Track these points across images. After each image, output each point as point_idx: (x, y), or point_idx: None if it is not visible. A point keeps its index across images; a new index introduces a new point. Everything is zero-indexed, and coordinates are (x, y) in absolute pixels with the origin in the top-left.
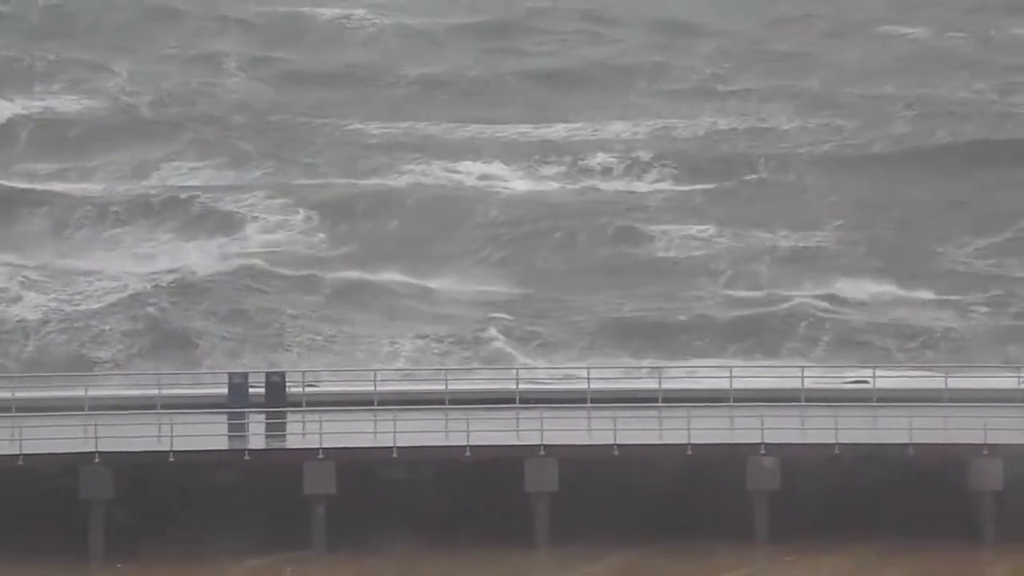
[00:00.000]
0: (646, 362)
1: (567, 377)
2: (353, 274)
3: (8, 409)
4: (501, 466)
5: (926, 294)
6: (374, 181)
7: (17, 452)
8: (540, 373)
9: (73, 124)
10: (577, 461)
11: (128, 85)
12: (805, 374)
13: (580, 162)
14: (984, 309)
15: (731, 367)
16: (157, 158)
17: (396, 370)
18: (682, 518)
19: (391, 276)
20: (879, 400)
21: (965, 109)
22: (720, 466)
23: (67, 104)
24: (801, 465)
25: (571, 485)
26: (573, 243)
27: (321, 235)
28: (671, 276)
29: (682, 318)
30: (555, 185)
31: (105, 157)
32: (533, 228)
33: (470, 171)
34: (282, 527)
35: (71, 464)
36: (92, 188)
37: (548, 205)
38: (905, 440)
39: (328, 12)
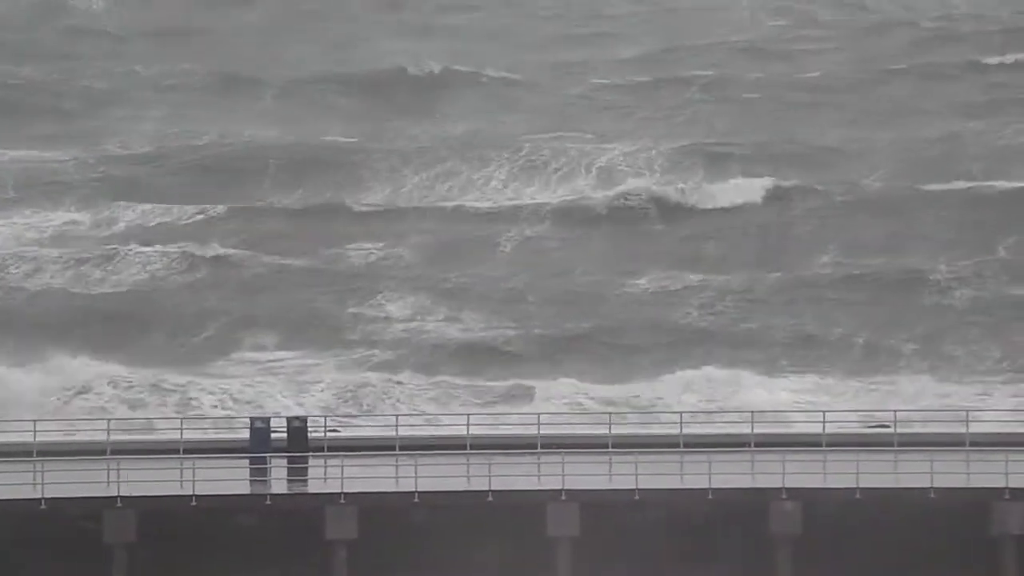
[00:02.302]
0: (667, 407)
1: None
2: None
3: (30, 453)
4: (523, 511)
5: None
6: None
7: (39, 496)
8: (562, 418)
9: None
10: (598, 505)
11: None
12: (826, 418)
13: None
14: None
15: (752, 412)
16: None
17: (417, 415)
18: (704, 563)
19: None
20: (900, 444)
21: None
22: (741, 511)
23: None
24: (823, 510)
25: (592, 530)
26: None
27: None
28: None
29: None
30: None
31: None
32: None
33: None
34: (304, 572)
35: (94, 508)
36: None
37: None
38: (926, 484)
39: None
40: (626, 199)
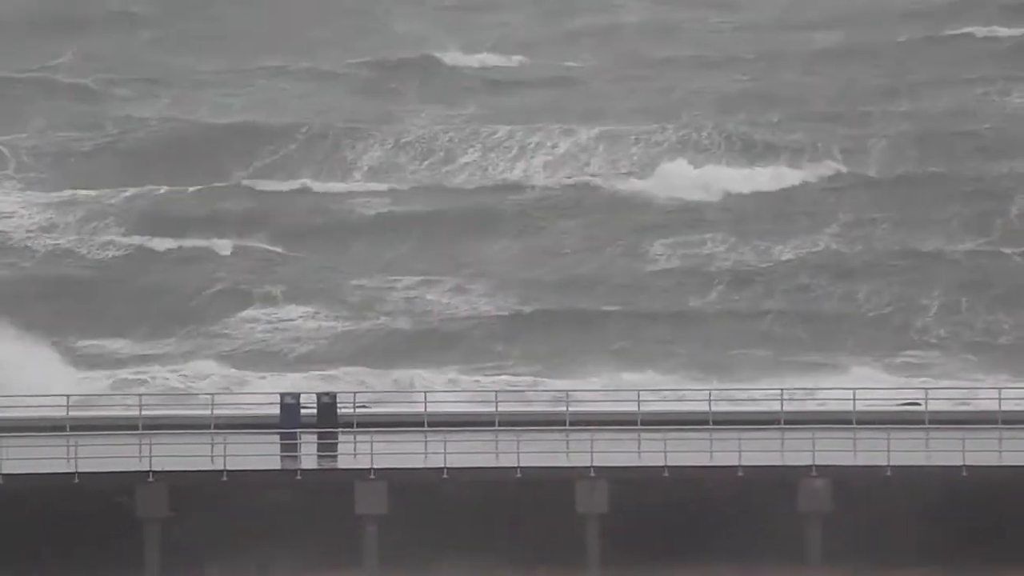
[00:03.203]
0: (697, 384)
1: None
2: None
3: (63, 428)
4: (552, 487)
5: None
6: None
7: (73, 471)
8: (591, 395)
9: None
10: (627, 483)
11: None
12: (857, 396)
13: None
14: None
15: (782, 389)
16: None
17: (446, 391)
18: (733, 540)
19: None
20: (931, 422)
21: None
22: (771, 488)
23: None
24: (853, 487)
25: (622, 507)
26: None
27: None
28: None
29: None
30: None
31: None
32: None
33: None
34: (334, 546)
35: (126, 482)
36: None
37: None
38: (957, 462)
39: None
40: None
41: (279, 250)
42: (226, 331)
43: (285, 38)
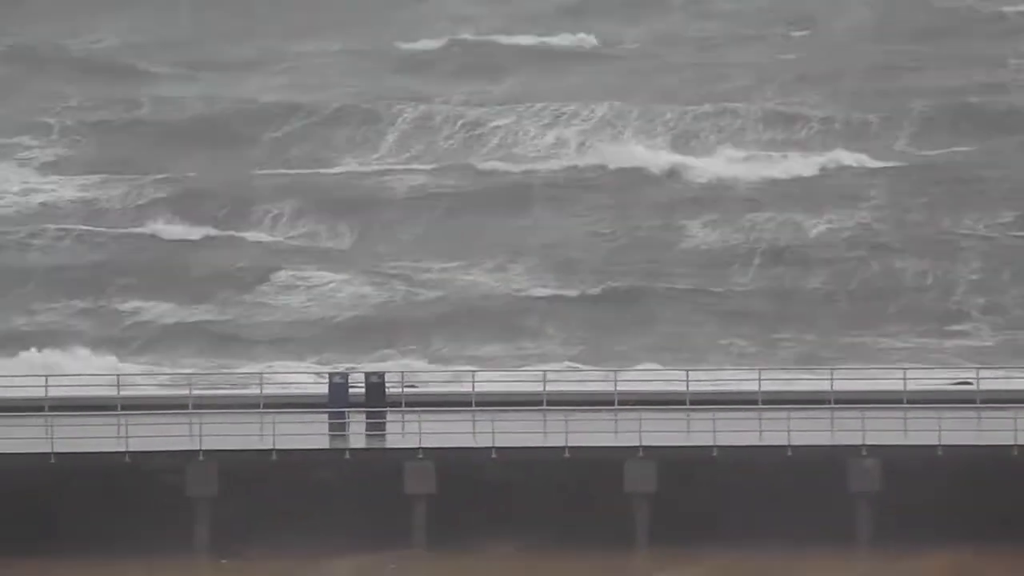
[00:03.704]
0: (745, 364)
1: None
2: None
3: (114, 407)
4: (600, 467)
5: None
6: None
7: (123, 449)
8: (639, 375)
9: None
10: (676, 462)
11: None
12: (907, 375)
13: None
14: None
15: (832, 368)
16: None
17: (494, 371)
18: (781, 520)
19: None
20: (983, 401)
21: None
22: (820, 468)
23: None
24: (903, 467)
25: (670, 486)
26: None
27: None
28: None
29: None
30: None
31: None
32: None
33: None
34: (383, 526)
35: (177, 461)
36: None
37: None
38: (1010, 441)
39: None
40: None
41: (316, 228)
42: (264, 306)
43: (320, 17)
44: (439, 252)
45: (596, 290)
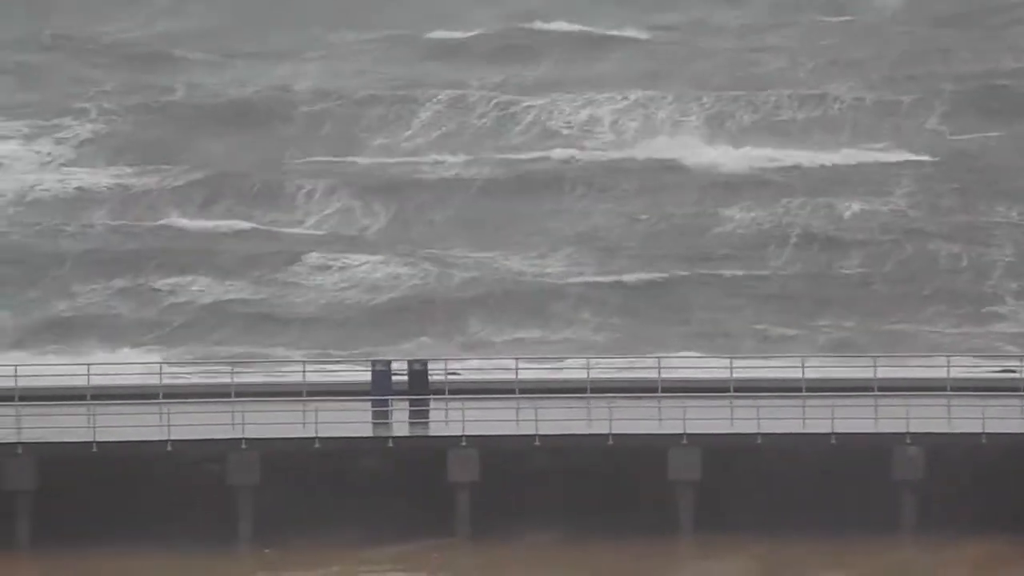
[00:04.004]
0: (784, 351)
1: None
2: None
3: (156, 396)
4: (644, 455)
5: None
6: None
7: (166, 438)
8: (681, 362)
9: None
10: (720, 450)
11: None
12: (951, 363)
13: None
14: None
15: (876, 356)
16: None
17: (538, 358)
18: (825, 508)
19: None
20: None
21: None
22: (864, 456)
23: None
24: (947, 455)
25: (714, 474)
26: None
27: None
28: None
29: None
30: None
31: None
32: None
33: None
34: (426, 514)
35: (218, 450)
36: None
37: None
38: None
39: None
40: None
41: (350, 211)
42: (298, 286)
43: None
44: (473, 236)
45: (632, 276)
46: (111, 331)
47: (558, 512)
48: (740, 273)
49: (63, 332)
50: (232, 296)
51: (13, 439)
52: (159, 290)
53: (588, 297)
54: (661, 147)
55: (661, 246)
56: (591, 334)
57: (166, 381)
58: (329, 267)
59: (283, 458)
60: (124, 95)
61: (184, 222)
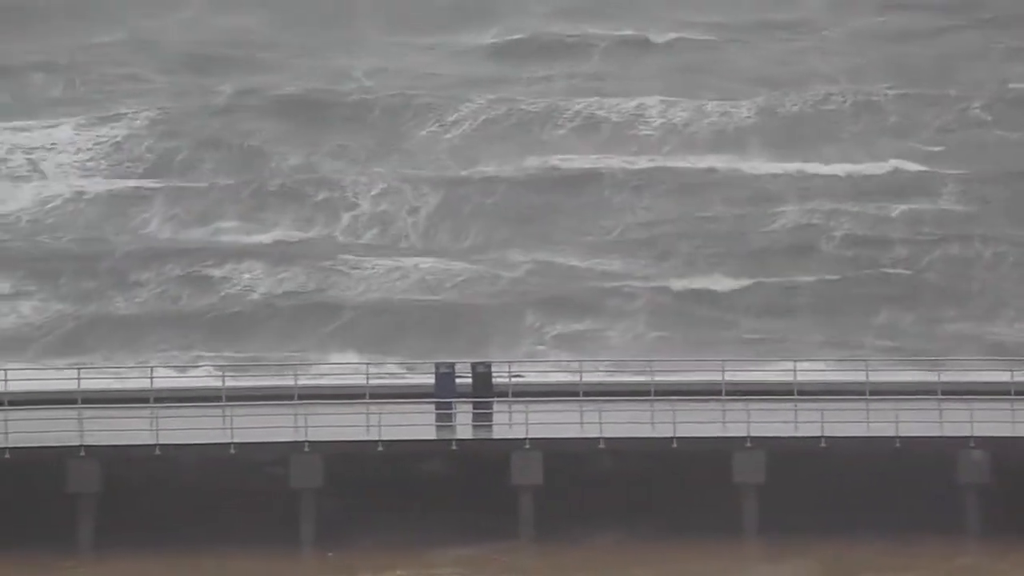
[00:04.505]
0: (852, 355)
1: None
2: None
3: (219, 399)
4: (708, 458)
5: None
6: None
7: (229, 441)
8: (746, 365)
9: None
10: (784, 453)
11: None
12: (1015, 368)
13: None
14: None
15: (939, 360)
16: None
17: (601, 360)
18: (889, 511)
19: None
20: None
21: None
22: (928, 460)
23: None
24: (1012, 459)
25: (778, 477)
26: None
27: None
28: None
29: None
30: None
31: None
32: None
33: None
34: (489, 517)
35: (281, 453)
36: None
37: None
38: None
39: None
40: None
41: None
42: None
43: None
44: (528, 235)
45: (684, 281)
46: (172, 331)
47: (621, 515)
48: (790, 277)
49: (123, 334)
50: (284, 290)
51: (76, 442)
52: (214, 284)
53: (644, 299)
54: (706, 150)
55: (715, 249)
56: (648, 334)
57: (229, 383)
58: (382, 267)
59: (346, 461)
60: (177, 95)
61: (236, 223)
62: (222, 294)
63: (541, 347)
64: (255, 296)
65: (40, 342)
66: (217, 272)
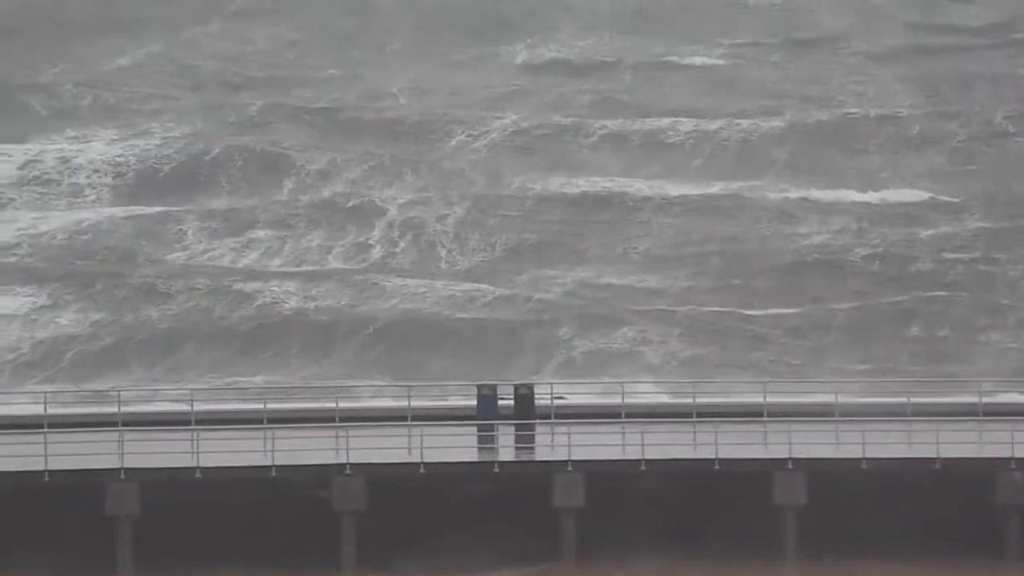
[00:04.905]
0: (891, 376)
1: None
2: None
3: (259, 421)
4: (749, 479)
5: None
6: None
7: (270, 463)
8: (788, 387)
9: None
10: (825, 474)
11: None
12: None
13: None
14: None
15: (981, 381)
16: None
17: (643, 382)
18: (930, 532)
19: None
20: None
21: None
22: (969, 480)
23: None
24: None
25: (819, 498)
26: None
27: None
28: None
29: None
30: None
31: None
32: None
33: None
34: (531, 539)
35: (323, 475)
36: None
37: None
38: None
39: None
40: None
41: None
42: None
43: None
44: (561, 256)
45: (710, 306)
46: (207, 346)
47: (663, 537)
48: (820, 297)
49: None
50: (316, 305)
51: (116, 464)
52: (247, 298)
53: (669, 319)
54: (740, 167)
55: (746, 267)
56: (683, 351)
57: (270, 406)
58: (415, 289)
59: (388, 483)
60: (208, 110)
61: (273, 232)
62: (256, 303)
63: (573, 364)
64: (286, 310)
65: (74, 360)
66: (249, 287)
